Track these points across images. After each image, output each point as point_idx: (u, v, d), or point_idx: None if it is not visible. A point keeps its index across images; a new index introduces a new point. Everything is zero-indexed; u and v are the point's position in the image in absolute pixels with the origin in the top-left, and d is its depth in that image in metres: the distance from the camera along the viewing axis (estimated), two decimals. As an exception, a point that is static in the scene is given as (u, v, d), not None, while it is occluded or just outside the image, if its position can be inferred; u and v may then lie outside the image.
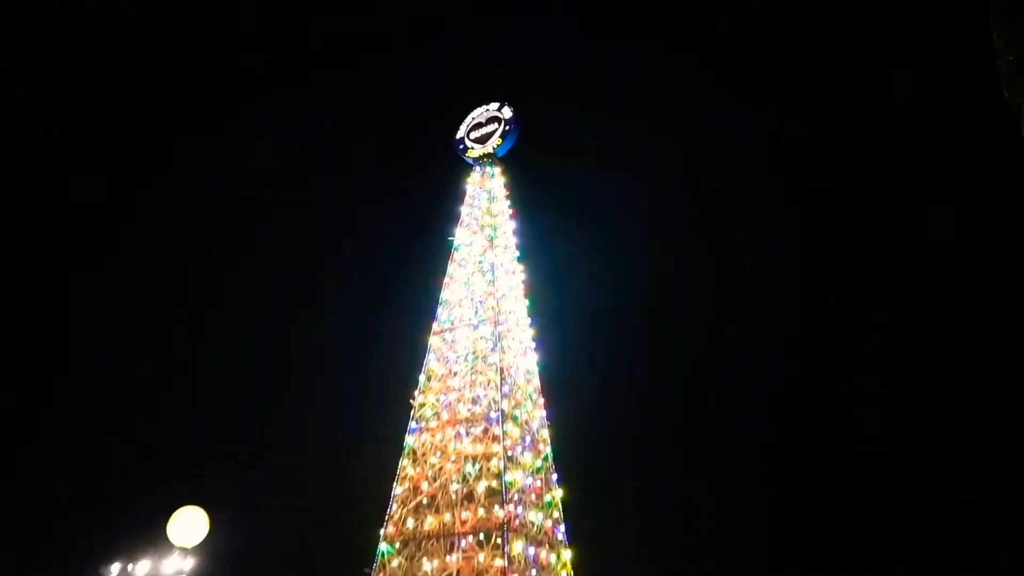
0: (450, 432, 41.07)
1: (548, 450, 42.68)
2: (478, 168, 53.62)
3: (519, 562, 36.33)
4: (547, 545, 39.00)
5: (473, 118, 54.93)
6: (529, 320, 47.25)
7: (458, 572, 36.48)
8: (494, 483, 37.95)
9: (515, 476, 38.68)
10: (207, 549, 27.87)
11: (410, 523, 38.80)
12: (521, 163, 56.59)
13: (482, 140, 53.49)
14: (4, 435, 58.17)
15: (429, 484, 39.79)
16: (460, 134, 54.76)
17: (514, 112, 53.44)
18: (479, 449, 39.62)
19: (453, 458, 40.04)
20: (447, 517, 37.99)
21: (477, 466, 39.10)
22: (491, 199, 51.33)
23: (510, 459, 39.08)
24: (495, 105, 54.40)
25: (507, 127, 52.99)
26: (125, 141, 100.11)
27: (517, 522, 37.39)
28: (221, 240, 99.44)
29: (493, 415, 40.22)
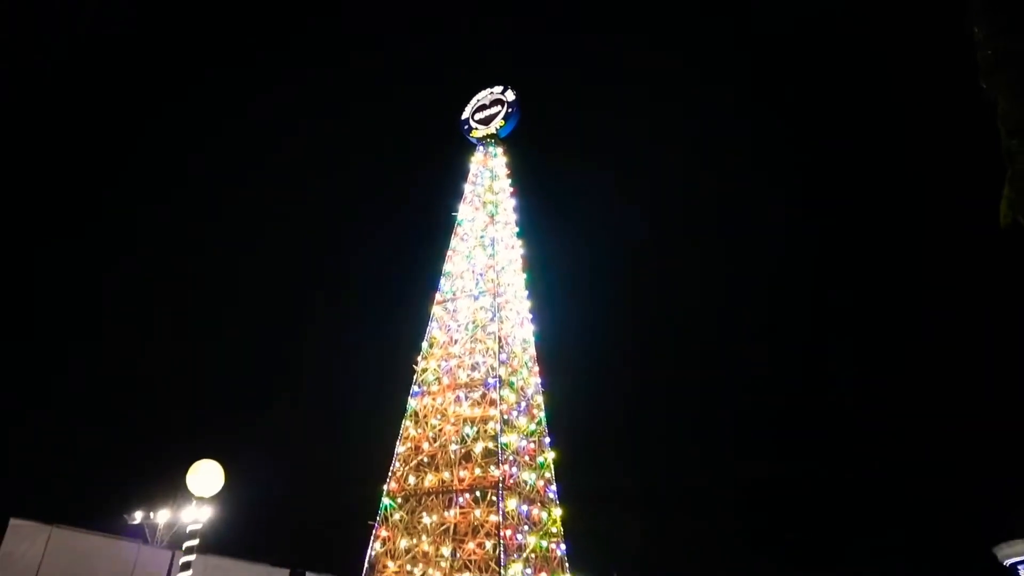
0: (450, 396, 43.27)
1: (542, 415, 44.81)
2: (481, 148, 55.36)
3: (513, 518, 38.61)
4: (539, 503, 41.32)
5: (478, 100, 56.68)
6: (526, 292, 49.27)
7: (455, 526, 38.87)
8: (491, 444, 40.02)
9: (510, 438, 40.84)
10: (223, 499, 30.25)
11: (411, 480, 41.17)
12: (522, 145, 58.41)
13: (486, 121, 55.23)
14: (4, 434, 59.96)
15: (430, 444, 42.09)
16: (465, 115, 56.52)
17: (517, 95, 55.22)
18: (477, 412, 41.69)
19: (453, 420, 42.27)
20: (446, 475, 40.29)
21: (475, 428, 41.26)
22: (493, 177, 53.07)
23: (506, 422, 41.11)
24: (499, 88, 56.25)
25: (510, 109, 54.75)
26: (124, 141, 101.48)
27: (511, 481, 39.54)
28: (222, 239, 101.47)
29: (491, 381, 42.25)
